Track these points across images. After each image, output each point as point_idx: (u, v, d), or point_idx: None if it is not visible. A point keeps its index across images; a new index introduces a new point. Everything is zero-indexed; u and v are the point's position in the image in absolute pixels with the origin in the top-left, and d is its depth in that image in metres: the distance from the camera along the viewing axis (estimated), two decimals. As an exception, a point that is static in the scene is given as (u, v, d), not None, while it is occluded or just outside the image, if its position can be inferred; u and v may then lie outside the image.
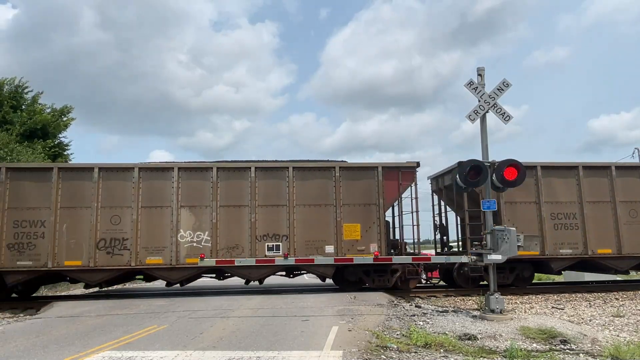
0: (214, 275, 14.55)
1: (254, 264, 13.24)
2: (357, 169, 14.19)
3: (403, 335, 8.15)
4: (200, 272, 13.97)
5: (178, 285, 14.41)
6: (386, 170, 14.14)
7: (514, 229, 9.69)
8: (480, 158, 10.04)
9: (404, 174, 14.22)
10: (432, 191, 17.05)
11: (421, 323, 9.26)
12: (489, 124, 10.71)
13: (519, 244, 9.52)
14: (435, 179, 16.79)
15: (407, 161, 14.53)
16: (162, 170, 13.74)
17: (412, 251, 14.92)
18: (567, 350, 7.19)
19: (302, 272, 14.89)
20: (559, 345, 7.49)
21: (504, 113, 10.14)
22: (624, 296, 13.45)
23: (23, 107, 27.67)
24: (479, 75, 10.40)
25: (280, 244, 13.63)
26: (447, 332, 8.32)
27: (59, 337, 8.27)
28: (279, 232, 13.72)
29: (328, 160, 14.70)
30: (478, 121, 10.25)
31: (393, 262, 13.53)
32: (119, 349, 7.15)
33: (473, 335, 8.01)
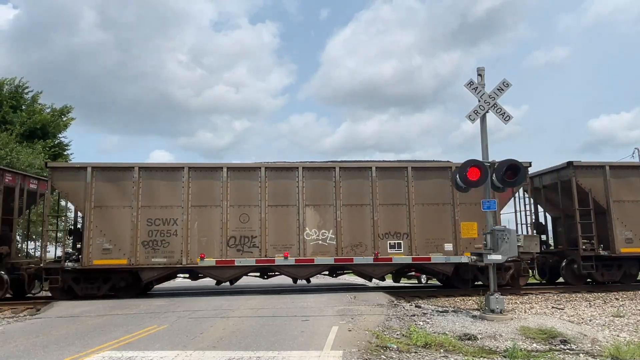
0: (326, 272, 14.97)
1: (370, 262, 13.68)
2: None
3: (403, 335, 8.15)
4: (325, 269, 14.40)
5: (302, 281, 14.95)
6: None
7: (514, 229, 9.69)
8: (480, 158, 10.05)
9: None
10: (525, 190, 16.66)
11: (421, 323, 9.26)
12: (489, 124, 10.72)
13: (519, 244, 9.52)
14: (531, 179, 16.81)
15: (522, 162, 14.93)
16: (286, 169, 14.10)
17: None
18: (567, 350, 7.19)
19: (410, 271, 15.52)
20: (559, 345, 7.49)
21: (504, 113, 10.14)
22: (624, 296, 13.45)
23: (23, 107, 27.65)
24: (479, 75, 10.40)
25: (402, 241, 13.99)
26: (447, 332, 8.32)
27: (59, 337, 8.27)
28: (400, 230, 14.02)
29: (444, 161, 15.10)
30: (478, 121, 10.25)
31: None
32: (119, 349, 7.15)
33: (473, 335, 8.01)
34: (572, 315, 10.46)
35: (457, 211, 14.13)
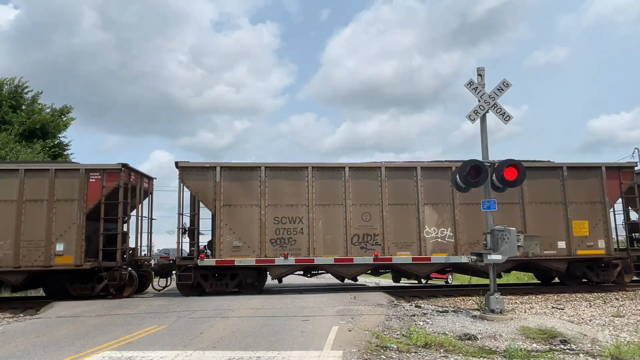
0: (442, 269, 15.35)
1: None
2: (582, 168, 14.96)
3: (403, 335, 8.15)
4: (446, 265, 14.74)
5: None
6: (609, 170, 14.93)
7: (514, 229, 9.69)
8: (480, 158, 10.04)
9: (624, 173, 15.07)
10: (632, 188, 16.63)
11: (421, 323, 9.26)
12: (489, 124, 10.72)
13: (519, 244, 9.52)
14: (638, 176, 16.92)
15: (627, 162, 15.52)
16: (404, 169, 14.46)
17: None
18: (567, 350, 7.19)
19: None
20: (559, 345, 7.49)
21: (504, 113, 10.14)
22: (624, 296, 13.45)
23: (23, 107, 27.64)
24: (479, 75, 10.39)
25: None
26: (447, 332, 8.31)
27: (59, 337, 8.26)
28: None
29: (554, 162, 15.33)
30: (478, 121, 10.24)
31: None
32: (119, 349, 7.15)
33: (473, 335, 8.00)
34: (572, 315, 10.46)
35: (569, 210, 14.57)
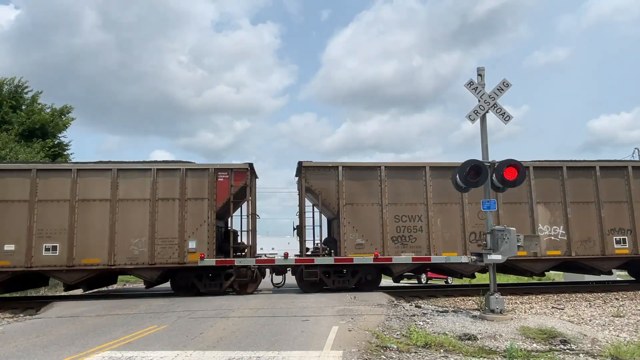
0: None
1: (599, 256, 14.44)
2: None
3: (403, 335, 8.15)
4: (559, 263, 14.88)
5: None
6: None
7: (514, 229, 9.68)
8: (480, 158, 10.04)
9: None
10: None
11: (421, 323, 9.26)
12: (489, 124, 10.71)
13: (519, 244, 9.52)
14: None
15: None
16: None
17: None
18: (567, 350, 7.19)
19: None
20: (559, 345, 7.49)
21: (504, 113, 10.13)
22: (624, 296, 13.45)
23: (22, 107, 27.62)
24: (479, 75, 10.39)
25: (626, 237, 14.68)
26: (447, 332, 8.31)
27: (59, 337, 8.26)
28: (623, 226, 14.72)
29: (621, 160, 15.88)
30: (478, 121, 10.24)
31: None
32: (119, 349, 7.14)
33: (473, 335, 8.00)
34: (572, 315, 10.47)
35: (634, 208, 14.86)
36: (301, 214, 14.93)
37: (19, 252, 13.06)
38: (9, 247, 13.07)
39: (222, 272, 13.94)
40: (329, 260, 13.92)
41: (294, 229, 15.56)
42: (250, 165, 14.42)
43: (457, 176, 9.95)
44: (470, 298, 13.34)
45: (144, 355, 6.77)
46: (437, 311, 10.70)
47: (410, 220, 14.19)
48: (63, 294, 16.35)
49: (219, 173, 14.04)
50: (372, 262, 13.87)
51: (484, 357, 6.74)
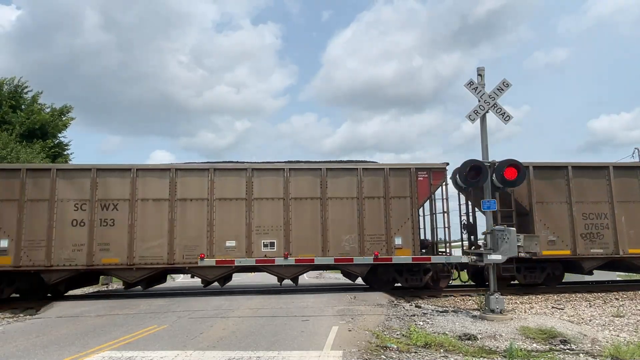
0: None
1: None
2: None
3: (403, 335, 8.15)
4: None
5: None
6: None
7: (514, 229, 9.68)
8: (480, 158, 10.05)
9: None
10: None
11: (421, 323, 9.26)
12: (489, 125, 10.72)
13: (519, 244, 9.52)
14: None
15: None
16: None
17: None
18: (567, 350, 7.19)
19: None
20: (559, 345, 7.49)
21: (504, 113, 10.13)
22: (624, 296, 13.45)
23: (22, 107, 27.60)
24: (479, 75, 10.39)
25: None
26: (447, 332, 8.32)
27: (59, 337, 8.26)
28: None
29: None
30: (478, 121, 10.24)
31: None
32: (119, 349, 7.15)
33: (473, 335, 8.01)
34: (572, 315, 10.46)
35: None
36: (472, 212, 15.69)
37: (239, 248, 13.82)
38: (230, 243, 13.88)
39: (421, 268, 14.46)
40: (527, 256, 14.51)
41: (463, 226, 15.97)
42: (448, 164, 14.90)
43: (457, 176, 9.96)
44: (470, 298, 13.34)
45: (144, 355, 6.77)
46: (437, 311, 10.70)
47: (597, 218, 14.73)
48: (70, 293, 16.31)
49: (419, 172, 14.62)
50: (567, 258, 14.43)
51: (484, 357, 6.75)
